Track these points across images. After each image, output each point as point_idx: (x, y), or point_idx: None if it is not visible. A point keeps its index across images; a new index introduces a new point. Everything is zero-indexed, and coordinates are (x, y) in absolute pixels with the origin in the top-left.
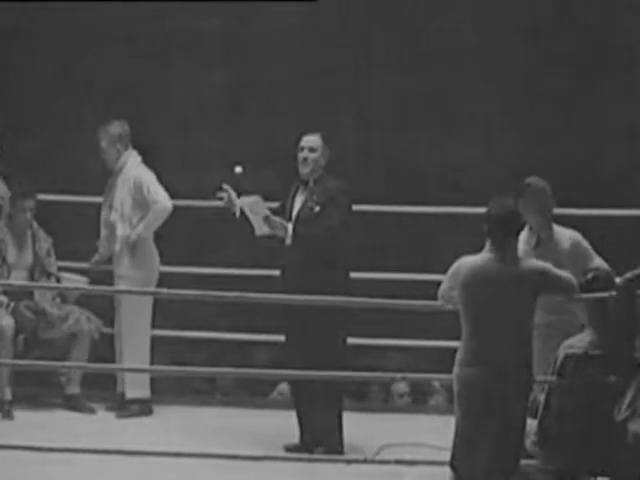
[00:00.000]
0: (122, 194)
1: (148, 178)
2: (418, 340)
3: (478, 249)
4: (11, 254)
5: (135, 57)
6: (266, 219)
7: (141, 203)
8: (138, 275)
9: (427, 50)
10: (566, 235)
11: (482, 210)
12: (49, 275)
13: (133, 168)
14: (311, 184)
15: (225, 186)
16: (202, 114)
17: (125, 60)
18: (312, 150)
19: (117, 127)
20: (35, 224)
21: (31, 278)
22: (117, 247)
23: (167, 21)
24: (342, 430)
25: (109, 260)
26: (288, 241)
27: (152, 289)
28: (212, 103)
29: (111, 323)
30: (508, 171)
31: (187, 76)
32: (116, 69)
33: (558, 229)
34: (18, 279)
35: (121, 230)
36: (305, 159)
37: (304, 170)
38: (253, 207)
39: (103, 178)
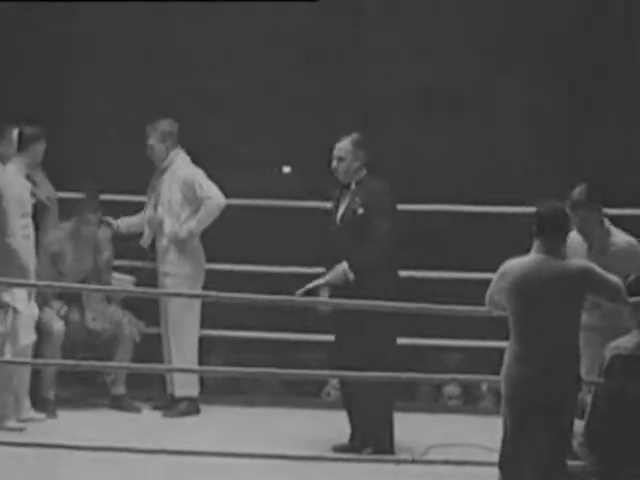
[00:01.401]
0: (171, 191)
1: (199, 176)
2: (469, 340)
3: (523, 250)
4: (69, 267)
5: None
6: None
7: (191, 200)
8: (185, 272)
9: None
10: (621, 237)
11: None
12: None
13: (182, 166)
14: (353, 187)
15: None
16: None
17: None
18: (340, 159)
19: (166, 125)
20: (101, 235)
21: None
22: (164, 243)
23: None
24: (393, 431)
25: (154, 258)
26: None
27: (201, 292)
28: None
29: (156, 321)
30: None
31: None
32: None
33: (614, 231)
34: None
35: (169, 226)
36: (335, 169)
37: (338, 177)
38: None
39: (144, 177)
